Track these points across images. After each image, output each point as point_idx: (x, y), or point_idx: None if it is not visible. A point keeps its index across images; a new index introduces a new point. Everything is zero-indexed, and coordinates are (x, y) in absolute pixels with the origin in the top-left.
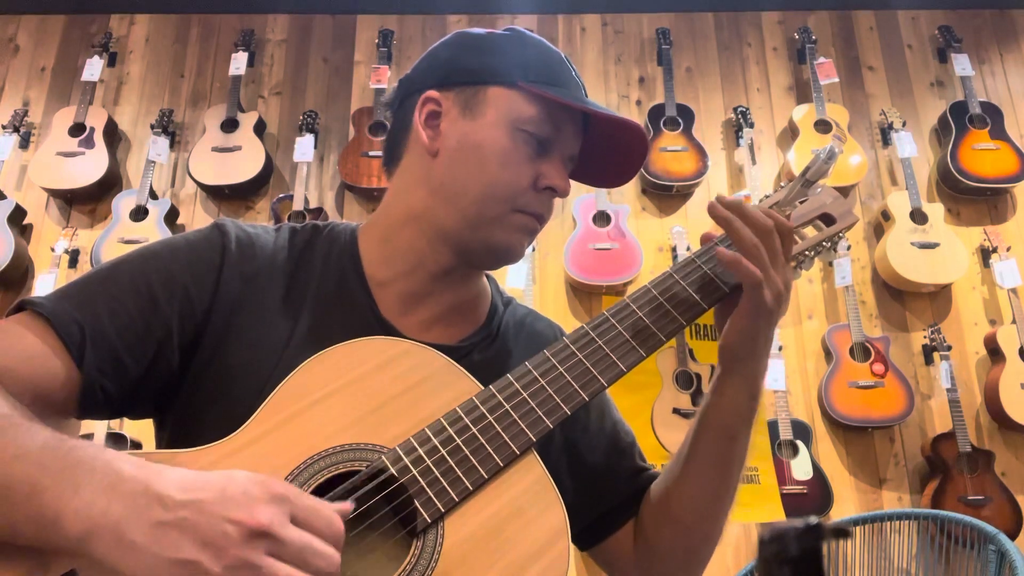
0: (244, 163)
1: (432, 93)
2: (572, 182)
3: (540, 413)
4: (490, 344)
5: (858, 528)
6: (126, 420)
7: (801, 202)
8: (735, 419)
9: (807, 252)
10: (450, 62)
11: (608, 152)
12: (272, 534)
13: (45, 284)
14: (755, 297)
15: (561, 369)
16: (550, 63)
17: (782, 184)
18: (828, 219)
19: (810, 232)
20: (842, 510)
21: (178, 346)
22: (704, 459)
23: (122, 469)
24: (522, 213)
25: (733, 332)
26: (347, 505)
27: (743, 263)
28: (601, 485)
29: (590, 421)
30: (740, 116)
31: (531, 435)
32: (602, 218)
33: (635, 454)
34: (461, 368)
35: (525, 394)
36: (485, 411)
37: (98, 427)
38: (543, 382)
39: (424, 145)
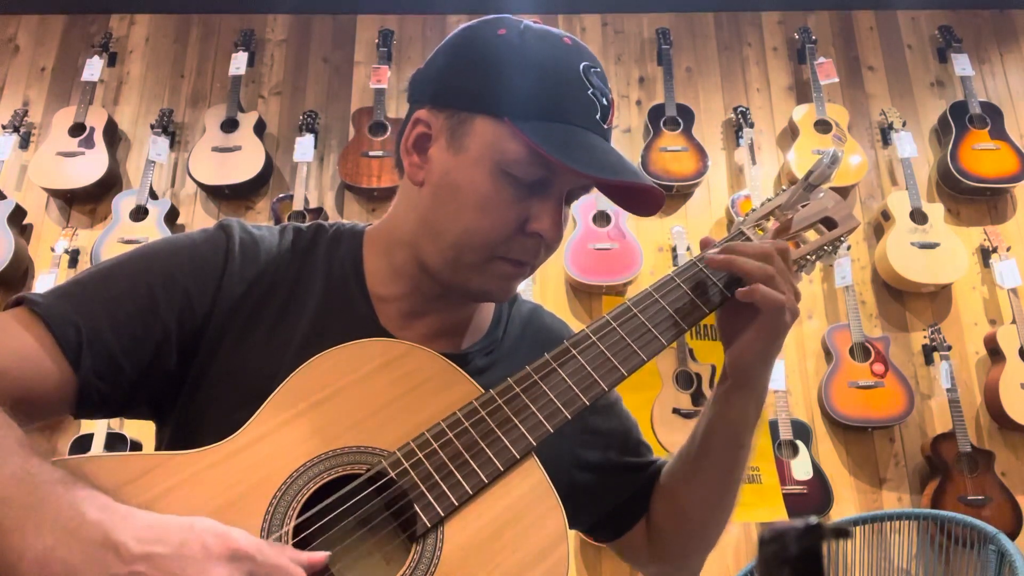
0: (244, 163)
1: (422, 114)
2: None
3: (541, 417)
4: (495, 349)
5: (858, 528)
6: (126, 420)
7: (803, 206)
8: (743, 428)
9: (808, 256)
10: (445, 76)
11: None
12: None
13: (45, 284)
14: (776, 319)
15: (562, 373)
16: (557, 86)
17: (784, 188)
18: (830, 223)
19: (811, 236)
20: (842, 510)
21: (176, 348)
22: (711, 466)
23: (86, 513)
24: (504, 260)
25: (749, 352)
26: (322, 555)
27: (761, 289)
28: (610, 483)
29: (598, 419)
30: (740, 116)
31: (531, 439)
32: (602, 218)
33: (642, 450)
34: (461, 371)
35: (525, 398)
36: (485, 415)
37: (98, 427)
38: (544, 386)
39: (409, 174)
